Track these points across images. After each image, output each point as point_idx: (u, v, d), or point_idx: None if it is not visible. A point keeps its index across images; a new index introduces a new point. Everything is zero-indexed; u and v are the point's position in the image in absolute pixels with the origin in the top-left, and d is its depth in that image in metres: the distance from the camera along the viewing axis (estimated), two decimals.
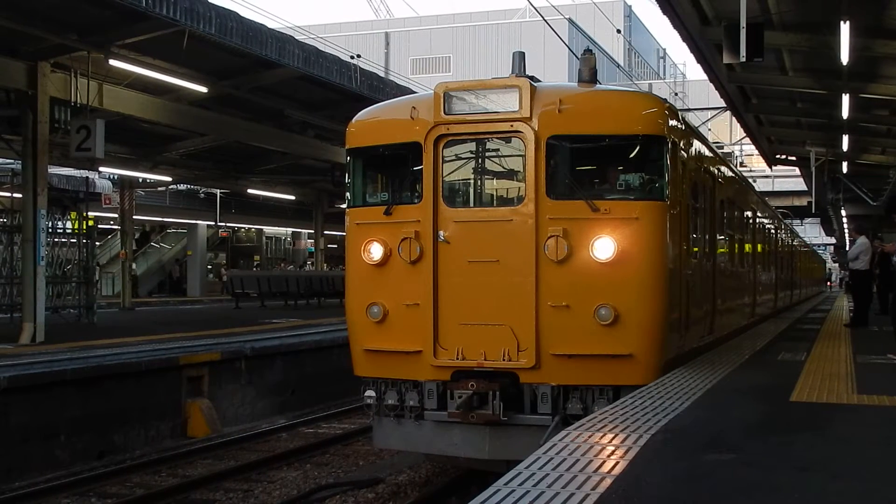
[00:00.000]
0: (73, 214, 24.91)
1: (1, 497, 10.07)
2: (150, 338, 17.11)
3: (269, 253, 54.25)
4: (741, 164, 42.97)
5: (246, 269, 45.37)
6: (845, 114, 18.01)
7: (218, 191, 39.57)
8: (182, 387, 13.89)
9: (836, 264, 68.34)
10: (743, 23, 12.02)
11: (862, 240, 16.98)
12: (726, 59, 12.81)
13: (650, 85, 50.24)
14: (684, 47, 27.02)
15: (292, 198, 37.08)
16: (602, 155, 8.99)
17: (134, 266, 41.33)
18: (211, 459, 12.47)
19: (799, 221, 52.02)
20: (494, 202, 9.24)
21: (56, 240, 21.07)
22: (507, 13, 67.90)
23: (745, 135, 26.77)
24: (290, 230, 51.86)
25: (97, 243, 28.62)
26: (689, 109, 29.42)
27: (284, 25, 31.55)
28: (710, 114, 31.70)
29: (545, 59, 53.74)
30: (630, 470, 4.98)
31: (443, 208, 8.85)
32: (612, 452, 5.41)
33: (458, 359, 8.69)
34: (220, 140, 24.51)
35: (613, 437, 5.85)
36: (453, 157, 9.05)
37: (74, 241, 21.82)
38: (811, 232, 63.07)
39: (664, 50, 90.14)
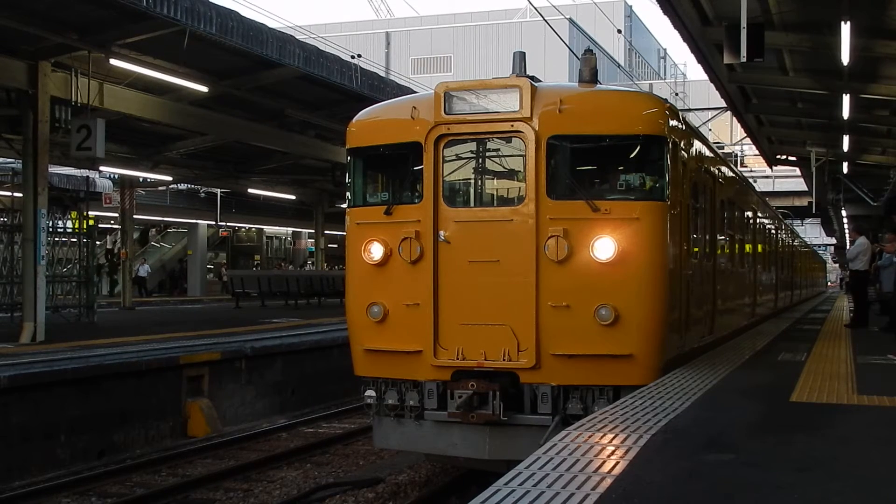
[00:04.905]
0: (74, 214, 24.92)
1: (1, 497, 10.07)
2: (150, 337, 17.11)
3: (269, 253, 54.28)
4: (741, 164, 42.99)
5: (246, 268, 45.46)
6: (846, 114, 18.00)
7: (218, 190, 39.59)
8: (182, 386, 13.88)
9: (837, 264, 68.38)
10: (743, 23, 12.02)
11: (861, 240, 17.00)
12: (727, 59, 12.81)
13: (651, 85, 50.24)
14: (685, 47, 27.01)
15: (293, 197, 37.10)
16: (602, 155, 8.98)
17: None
18: (211, 459, 12.47)
19: (799, 222, 52.03)
20: (495, 202, 9.23)
21: (56, 239, 21.08)
22: (508, 13, 67.88)
23: (745, 135, 26.76)
24: (290, 230, 51.88)
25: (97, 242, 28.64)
26: (689, 109, 29.37)
27: (285, 25, 31.62)
28: (710, 114, 31.68)
29: (546, 59, 53.72)
30: (630, 470, 4.98)
31: (443, 208, 8.85)
32: (612, 452, 5.41)
33: (458, 359, 8.69)
34: (220, 140, 24.51)
35: (613, 437, 5.86)
36: (454, 157, 9.05)
37: (75, 240, 21.85)
38: (811, 232, 63.08)
39: (665, 50, 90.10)
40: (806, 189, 36.79)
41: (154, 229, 48.38)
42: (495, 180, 9.47)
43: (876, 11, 13.03)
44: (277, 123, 23.65)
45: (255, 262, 51.71)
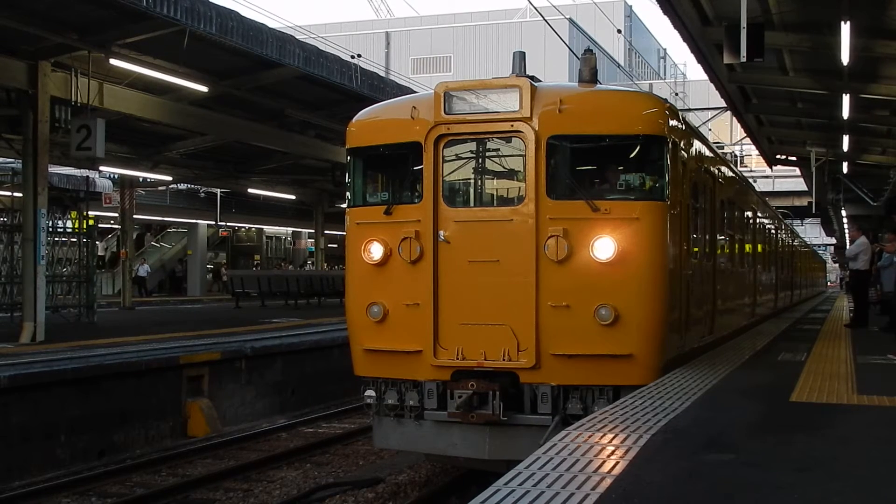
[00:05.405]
0: (74, 214, 24.91)
1: (1, 497, 10.07)
2: (150, 337, 17.11)
3: (269, 252, 54.28)
4: (741, 164, 42.99)
5: (246, 268, 45.46)
6: (846, 114, 18.00)
7: (218, 190, 39.60)
8: (182, 386, 13.88)
9: (837, 264, 68.39)
10: (743, 23, 12.02)
11: (862, 240, 17.00)
12: (727, 59, 12.81)
13: (651, 85, 50.24)
14: (685, 47, 26.99)
15: (293, 197, 37.10)
16: (602, 155, 8.99)
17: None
18: (211, 459, 12.47)
19: (799, 221, 52.03)
20: (495, 202, 9.24)
21: (56, 239, 21.07)
22: (508, 13, 67.89)
23: (745, 135, 26.75)
24: (290, 230, 51.89)
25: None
26: (689, 109, 29.37)
27: (285, 25, 31.61)
28: (710, 114, 31.67)
29: (545, 59, 53.72)
30: (630, 470, 4.98)
31: (443, 208, 8.85)
32: (612, 452, 5.41)
33: (458, 359, 8.69)
34: (220, 140, 24.51)
35: (613, 437, 5.85)
36: (453, 157, 9.05)
37: (75, 240, 21.84)
38: (811, 232, 63.09)
39: (665, 50, 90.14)
40: (806, 189, 36.79)
41: (149, 232, 48.36)
42: (495, 180, 9.47)
43: (876, 11, 13.02)
44: (277, 123, 23.65)
45: (255, 262, 51.70)
